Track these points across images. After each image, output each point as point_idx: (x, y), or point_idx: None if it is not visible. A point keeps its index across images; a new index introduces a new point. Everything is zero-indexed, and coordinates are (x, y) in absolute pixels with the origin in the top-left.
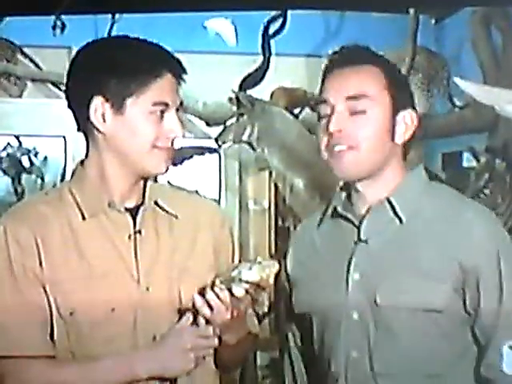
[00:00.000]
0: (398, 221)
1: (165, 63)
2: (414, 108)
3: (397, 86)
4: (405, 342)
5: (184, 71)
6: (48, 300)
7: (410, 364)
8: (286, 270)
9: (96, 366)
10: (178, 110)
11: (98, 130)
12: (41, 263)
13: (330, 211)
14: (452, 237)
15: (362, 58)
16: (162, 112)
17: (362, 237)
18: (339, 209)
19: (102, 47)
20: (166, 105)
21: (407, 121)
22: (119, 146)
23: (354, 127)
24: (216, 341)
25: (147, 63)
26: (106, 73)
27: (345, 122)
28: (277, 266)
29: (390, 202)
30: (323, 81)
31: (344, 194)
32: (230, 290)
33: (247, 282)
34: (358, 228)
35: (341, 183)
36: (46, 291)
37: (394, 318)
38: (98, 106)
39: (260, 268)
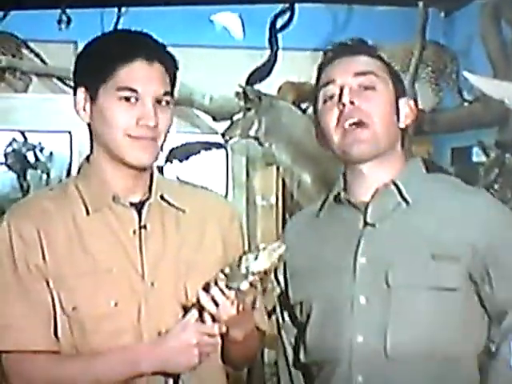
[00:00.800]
0: (404, 203)
1: (134, 49)
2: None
3: (395, 74)
4: (417, 324)
5: (165, 59)
6: (51, 295)
7: (422, 347)
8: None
9: (99, 361)
10: (168, 102)
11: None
12: (44, 258)
13: (331, 198)
14: (461, 218)
15: (361, 50)
16: (136, 100)
17: (369, 220)
18: (342, 195)
19: (93, 42)
20: (134, 91)
21: (408, 107)
22: (99, 136)
23: (366, 100)
24: (218, 338)
25: (115, 50)
26: (84, 64)
27: (357, 94)
28: (283, 247)
29: (396, 185)
30: (322, 71)
31: (346, 180)
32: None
33: (258, 273)
34: (365, 212)
35: (342, 170)
36: (49, 286)
37: (406, 299)
38: (81, 97)
39: (268, 254)
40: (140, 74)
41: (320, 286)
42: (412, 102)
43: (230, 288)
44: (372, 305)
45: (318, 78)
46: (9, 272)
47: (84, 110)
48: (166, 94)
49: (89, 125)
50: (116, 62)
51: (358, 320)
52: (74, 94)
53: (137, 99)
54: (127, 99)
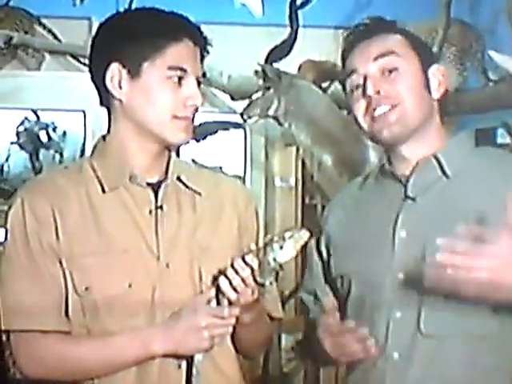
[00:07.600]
0: (445, 178)
1: (183, 28)
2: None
3: (419, 44)
4: (454, 301)
5: (207, 42)
6: (64, 274)
7: (460, 324)
8: (325, 236)
9: (111, 342)
10: (200, 83)
11: (115, 98)
12: (57, 237)
13: (376, 170)
14: (502, 190)
15: (380, 29)
16: (180, 79)
17: (410, 194)
18: (386, 167)
19: (121, 17)
20: (184, 70)
21: (438, 75)
22: (136, 114)
23: (391, 85)
24: (233, 321)
25: (164, 27)
26: (122, 39)
27: (381, 82)
28: (308, 234)
29: (437, 159)
30: (345, 58)
31: (389, 155)
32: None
33: (285, 263)
34: (405, 185)
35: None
36: (61, 265)
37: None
38: (115, 73)
39: (294, 242)
40: (188, 54)
41: (359, 260)
42: (442, 68)
43: (258, 283)
44: (410, 279)
45: (342, 65)
46: (21, 250)
47: (120, 86)
48: (204, 75)
49: (119, 101)
50: (166, 39)
51: (397, 295)
52: (106, 69)
53: (180, 79)
54: (177, 79)
